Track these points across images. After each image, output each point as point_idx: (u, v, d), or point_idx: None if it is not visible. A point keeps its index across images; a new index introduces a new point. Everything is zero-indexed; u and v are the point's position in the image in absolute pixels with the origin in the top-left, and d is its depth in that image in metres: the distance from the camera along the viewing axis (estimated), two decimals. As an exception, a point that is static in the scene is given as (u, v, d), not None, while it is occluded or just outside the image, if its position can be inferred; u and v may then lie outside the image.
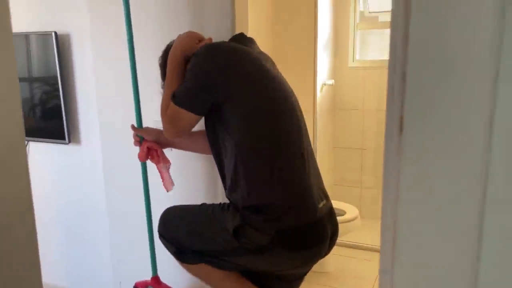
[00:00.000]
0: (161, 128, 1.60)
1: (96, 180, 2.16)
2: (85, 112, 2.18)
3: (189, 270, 1.47)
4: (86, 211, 2.32)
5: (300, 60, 2.81)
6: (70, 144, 2.24)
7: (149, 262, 1.73)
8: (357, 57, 3.41)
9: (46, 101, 2.27)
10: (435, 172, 0.38)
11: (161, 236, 1.50)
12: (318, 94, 3.00)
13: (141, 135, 1.59)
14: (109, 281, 2.20)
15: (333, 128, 3.49)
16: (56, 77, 2.12)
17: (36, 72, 2.24)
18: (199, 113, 1.36)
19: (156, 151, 1.55)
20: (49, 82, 2.18)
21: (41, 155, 2.38)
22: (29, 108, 2.30)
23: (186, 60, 1.42)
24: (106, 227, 2.14)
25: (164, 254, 1.89)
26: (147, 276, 1.80)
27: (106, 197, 2.06)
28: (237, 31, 1.66)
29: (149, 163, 1.65)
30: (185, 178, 1.85)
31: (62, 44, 2.12)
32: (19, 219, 0.93)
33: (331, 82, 3.28)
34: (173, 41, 1.50)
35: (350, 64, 3.39)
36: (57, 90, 2.14)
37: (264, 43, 2.54)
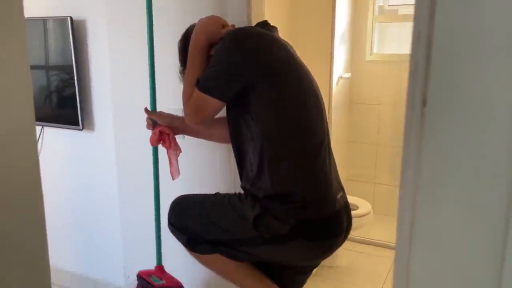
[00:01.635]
0: (175, 114, 1.59)
1: (109, 166, 2.16)
2: (99, 99, 2.18)
3: (200, 260, 1.45)
4: (98, 196, 2.32)
5: (316, 52, 2.76)
6: (83, 130, 2.25)
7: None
8: (375, 50, 3.35)
9: (62, 88, 2.28)
10: (458, 148, 0.35)
11: (171, 225, 1.47)
12: (334, 87, 2.95)
13: (154, 118, 1.57)
14: (119, 267, 2.21)
15: (349, 122, 3.44)
16: (71, 63, 2.12)
17: (52, 59, 2.24)
18: (225, 99, 1.33)
19: (168, 135, 1.54)
20: (65, 69, 2.18)
21: (55, 140, 2.39)
22: (45, 95, 2.31)
23: (209, 45, 1.40)
24: (117, 213, 2.14)
25: (171, 245, 1.88)
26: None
27: (118, 184, 2.05)
28: (254, 23, 1.64)
29: (161, 151, 1.64)
30: (199, 167, 1.84)
31: (77, 30, 2.12)
32: (27, 202, 0.92)
33: (347, 75, 3.22)
34: (193, 25, 1.47)
35: (368, 57, 3.33)
36: (72, 77, 2.15)
37: (280, 34, 2.50)
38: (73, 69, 2.13)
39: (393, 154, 3.33)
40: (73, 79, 2.15)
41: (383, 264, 2.82)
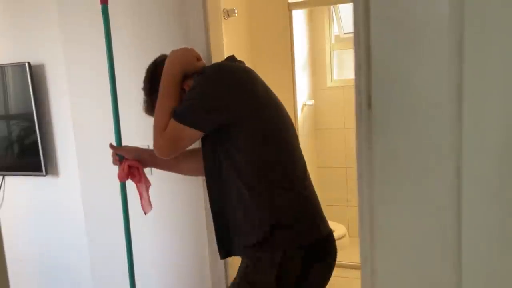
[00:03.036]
0: (141, 147, 1.57)
1: (76, 211, 2.10)
2: (62, 143, 2.14)
3: None
4: (65, 244, 2.24)
5: (279, 82, 2.82)
6: (47, 176, 2.18)
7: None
8: (335, 77, 3.46)
9: (23, 137, 2.22)
10: (405, 145, 0.37)
11: None
12: (299, 114, 3.01)
13: (122, 153, 1.53)
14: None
15: (316, 148, 3.50)
16: (32, 110, 2.08)
17: (12, 107, 2.20)
18: (204, 130, 1.31)
19: (138, 169, 1.50)
20: (26, 117, 2.13)
21: (18, 188, 2.31)
22: (6, 145, 2.25)
23: (183, 77, 1.40)
24: (87, 261, 2.06)
25: (146, 283, 1.82)
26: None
27: (86, 229, 1.99)
28: (213, 57, 1.67)
29: (128, 190, 1.61)
30: (169, 201, 1.81)
31: (36, 75, 2.09)
32: None
33: (311, 102, 3.30)
34: (163, 55, 1.46)
35: (329, 84, 3.43)
36: (33, 124, 2.10)
37: (241, 66, 2.55)
38: (33, 116, 2.09)
39: (362, 175, 3.37)
40: (34, 127, 2.11)
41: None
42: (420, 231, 0.36)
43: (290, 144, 1.36)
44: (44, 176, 2.17)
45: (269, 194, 1.30)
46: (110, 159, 1.60)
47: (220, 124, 1.30)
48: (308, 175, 1.41)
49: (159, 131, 1.33)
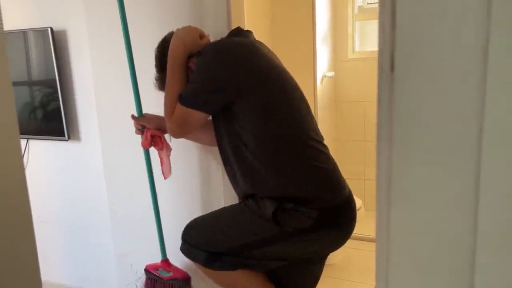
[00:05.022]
0: (161, 115, 1.60)
1: (97, 175, 2.15)
2: (84, 109, 2.17)
3: (215, 279, 1.42)
4: (87, 207, 2.31)
5: (299, 53, 2.79)
6: (70, 141, 2.24)
7: (153, 253, 1.72)
8: (357, 48, 3.39)
9: (46, 103, 2.26)
10: (427, 108, 0.36)
11: (186, 242, 1.42)
12: (319, 86, 2.98)
13: (143, 123, 1.58)
14: (113, 276, 2.19)
15: (335, 121, 3.47)
16: (55, 77, 2.11)
17: (35, 74, 2.23)
18: (210, 112, 1.35)
19: (160, 137, 1.56)
20: (48, 83, 2.16)
21: (42, 152, 2.37)
22: (29, 111, 2.29)
23: (188, 56, 1.41)
24: (108, 221, 2.12)
25: (171, 239, 1.88)
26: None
27: (107, 191, 2.04)
28: (234, 26, 1.65)
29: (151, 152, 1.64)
30: (190, 167, 1.84)
31: (58, 41, 2.11)
32: (15, 218, 0.90)
33: (331, 74, 3.26)
34: (171, 33, 1.47)
35: (350, 55, 3.37)
36: (56, 91, 2.13)
37: (262, 37, 2.52)
38: (56, 82, 2.12)
39: (380, 149, 3.34)
40: (57, 93, 2.14)
41: (377, 259, 2.84)
42: (438, 192, 0.37)
43: (294, 115, 1.35)
44: (67, 140, 2.22)
45: (277, 169, 1.31)
46: (131, 124, 1.64)
47: (224, 103, 1.32)
48: (320, 143, 1.39)
49: (168, 115, 1.38)
